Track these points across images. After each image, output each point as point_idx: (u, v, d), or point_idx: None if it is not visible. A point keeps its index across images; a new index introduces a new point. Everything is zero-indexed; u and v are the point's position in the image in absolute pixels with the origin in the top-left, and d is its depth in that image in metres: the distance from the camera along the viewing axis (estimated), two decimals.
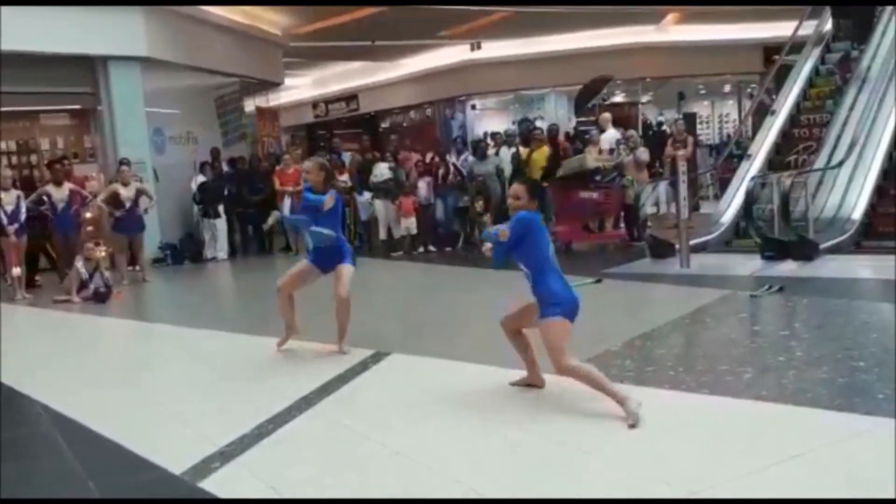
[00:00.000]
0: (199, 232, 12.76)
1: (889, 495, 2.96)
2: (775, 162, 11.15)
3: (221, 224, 12.69)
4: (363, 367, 5.40)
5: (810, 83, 12.11)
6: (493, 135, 14.47)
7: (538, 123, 16.54)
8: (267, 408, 4.52)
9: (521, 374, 4.78)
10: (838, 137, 10.52)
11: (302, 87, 24.50)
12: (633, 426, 3.87)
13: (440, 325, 6.88)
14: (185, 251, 12.56)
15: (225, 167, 13.77)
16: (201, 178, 12.70)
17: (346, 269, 5.95)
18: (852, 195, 9.84)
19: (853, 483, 3.18)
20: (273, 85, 18.15)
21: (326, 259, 6.04)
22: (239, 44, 15.30)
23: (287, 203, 12.56)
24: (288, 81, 19.70)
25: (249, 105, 17.90)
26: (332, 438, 4.10)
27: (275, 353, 6.00)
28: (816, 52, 12.36)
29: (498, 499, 3.12)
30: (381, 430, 4.11)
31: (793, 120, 11.61)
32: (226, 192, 12.71)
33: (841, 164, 10.04)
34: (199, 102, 14.77)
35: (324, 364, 5.50)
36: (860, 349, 5.14)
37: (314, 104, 25.24)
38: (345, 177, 12.85)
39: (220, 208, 12.61)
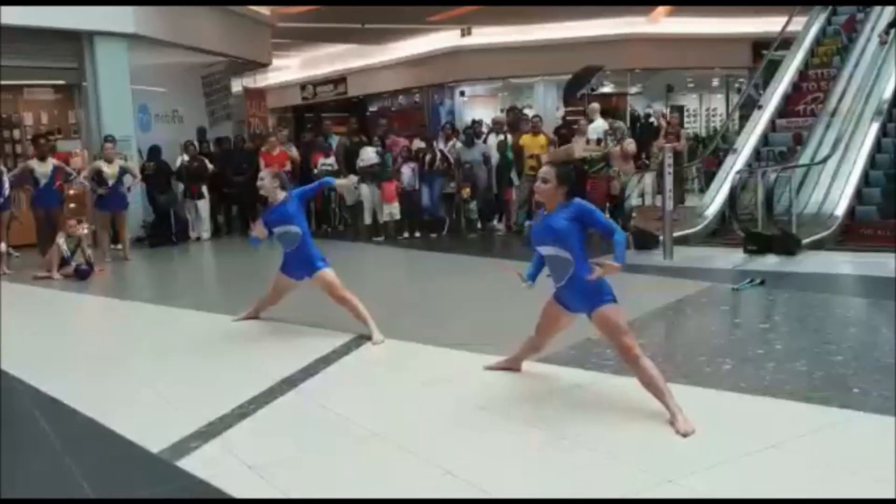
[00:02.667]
0: (182, 211, 12.68)
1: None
2: (763, 154, 11.35)
3: (204, 204, 12.61)
4: (346, 349, 5.41)
5: (818, 42, 12.63)
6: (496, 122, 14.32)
7: (527, 112, 16.53)
8: (248, 388, 4.52)
9: (497, 359, 4.81)
10: (843, 92, 10.97)
11: (290, 69, 24.35)
12: (684, 435, 3.62)
13: (422, 310, 6.89)
14: (159, 230, 12.42)
15: (211, 147, 13.70)
16: (186, 158, 12.62)
17: (326, 275, 5.89)
18: (836, 191, 9.92)
19: (828, 474, 3.23)
20: (260, 65, 18.01)
21: (296, 266, 6.01)
22: (227, 23, 15.16)
23: None
24: (276, 62, 19.57)
25: (237, 85, 17.77)
26: (312, 420, 4.11)
27: (257, 334, 6.00)
28: (823, 16, 12.78)
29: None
30: (363, 413, 4.12)
31: (801, 75, 12.25)
32: (209, 172, 12.62)
33: (826, 160, 10.11)
34: (185, 81, 14.65)
35: (307, 346, 5.49)
36: (838, 343, 5.20)
37: (302, 86, 25.09)
38: (331, 159, 12.81)
39: (204, 188, 12.52)
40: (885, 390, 4.13)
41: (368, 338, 5.60)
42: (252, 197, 13.11)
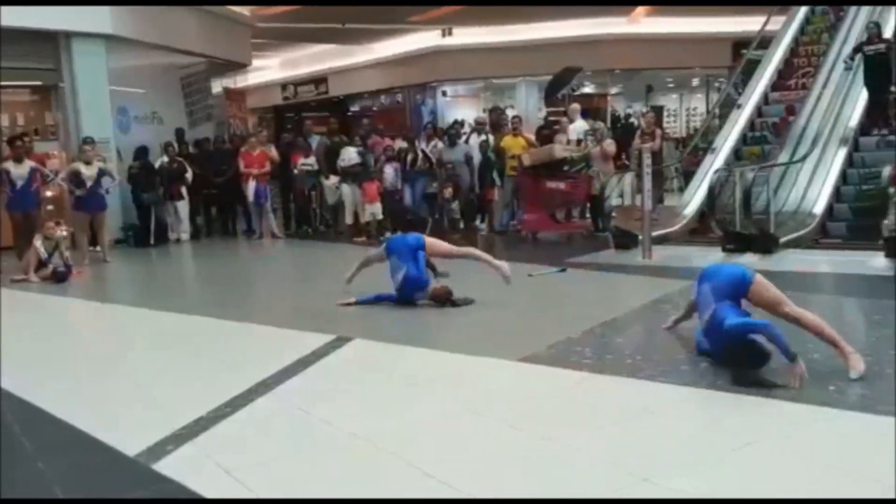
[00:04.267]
0: (161, 213, 12.59)
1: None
2: (742, 153, 11.56)
3: (183, 205, 12.53)
4: (325, 351, 5.37)
5: (807, 21, 13.27)
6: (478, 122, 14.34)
7: (508, 112, 16.56)
8: (225, 390, 4.48)
9: (480, 359, 4.81)
10: (831, 68, 11.49)
11: (270, 69, 24.28)
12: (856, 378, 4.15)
13: (402, 311, 6.86)
14: (144, 230, 12.33)
15: (191, 148, 13.62)
16: (166, 160, 12.54)
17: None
18: (813, 190, 10.01)
19: (805, 471, 3.25)
20: (240, 66, 17.93)
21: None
22: (205, 23, 15.08)
23: (252, 185, 12.47)
24: (256, 63, 19.50)
25: (217, 86, 17.67)
26: (290, 422, 4.08)
27: (236, 336, 5.97)
28: (801, 15, 13.22)
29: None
30: (342, 415, 4.10)
31: (792, 51, 12.97)
32: (189, 173, 12.53)
33: (804, 158, 10.20)
34: (164, 82, 14.55)
35: (285, 348, 5.46)
36: (814, 342, 5.22)
37: (283, 86, 25.02)
38: (311, 160, 12.78)
39: (183, 190, 12.44)
40: (861, 388, 4.16)
41: (348, 339, 5.58)
42: (232, 198, 13.12)
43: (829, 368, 4.56)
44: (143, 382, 4.91)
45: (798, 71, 12.63)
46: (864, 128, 10.71)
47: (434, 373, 4.87)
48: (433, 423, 3.98)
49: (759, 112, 12.20)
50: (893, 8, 11.82)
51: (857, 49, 10.72)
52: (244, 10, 16.28)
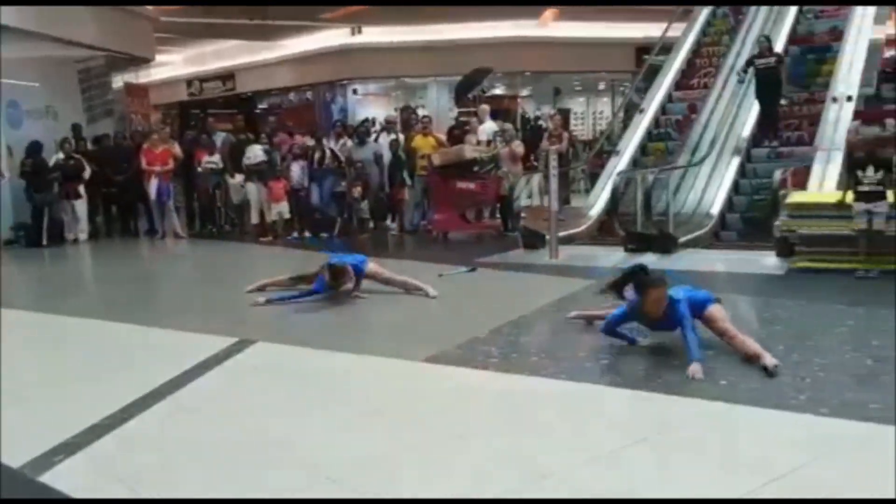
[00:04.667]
0: (56, 212, 12.06)
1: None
2: (648, 149, 12.03)
3: (81, 204, 12.04)
4: (226, 355, 5.24)
5: (709, 23, 13.73)
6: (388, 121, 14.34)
7: (420, 112, 16.57)
8: (121, 397, 4.32)
9: (386, 360, 4.80)
10: (731, 67, 11.96)
11: (175, 64, 23.57)
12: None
13: (307, 312, 6.78)
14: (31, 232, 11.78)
15: (89, 145, 13.10)
16: (62, 156, 12.02)
17: None
18: (710, 192, 10.38)
19: (697, 464, 3.35)
20: (143, 60, 17.31)
21: None
22: (104, 16, 14.45)
23: (154, 184, 12.09)
24: (160, 58, 18.86)
25: (118, 81, 17.03)
26: (188, 428, 3.97)
27: (134, 340, 5.77)
28: (703, 16, 13.71)
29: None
30: (240, 420, 4.02)
31: (694, 52, 13.36)
32: (87, 171, 12.05)
33: (702, 161, 10.58)
34: (60, 75, 13.94)
35: (186, 351, 5.30)
36: (709, 338, 5.42)
37: (188, 82, 24.35)
38: (216, 157, 12.49)
39: (81, 188, 11.95)
40: (751, 382, 4.34)
41: (251, 341, 5.47)
42: (133, 196, 12.68)
43: (721, 363, 4.74)
44: (33, 390, 4.68)
45: (700, 71, 13.07)
46: (756, 139, 11.08)
47: (338, 375, 4.82)
48: (334, 425, 3.93)
49: (663, 110, 12.58)
50: (785, 21, 12.37)
51: (748, 62, 11.06)
52: (147, 4, 15.73)
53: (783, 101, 11.24)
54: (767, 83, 10.68)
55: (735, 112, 11.16)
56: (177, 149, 12.63)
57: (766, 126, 11.02)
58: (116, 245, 12.17)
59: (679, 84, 12.96)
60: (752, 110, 11.04)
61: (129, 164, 12.43)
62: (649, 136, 12.20)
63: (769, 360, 4.47)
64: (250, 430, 3.86)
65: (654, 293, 4.83)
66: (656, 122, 12.41)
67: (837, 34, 11.94)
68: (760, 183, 10.34)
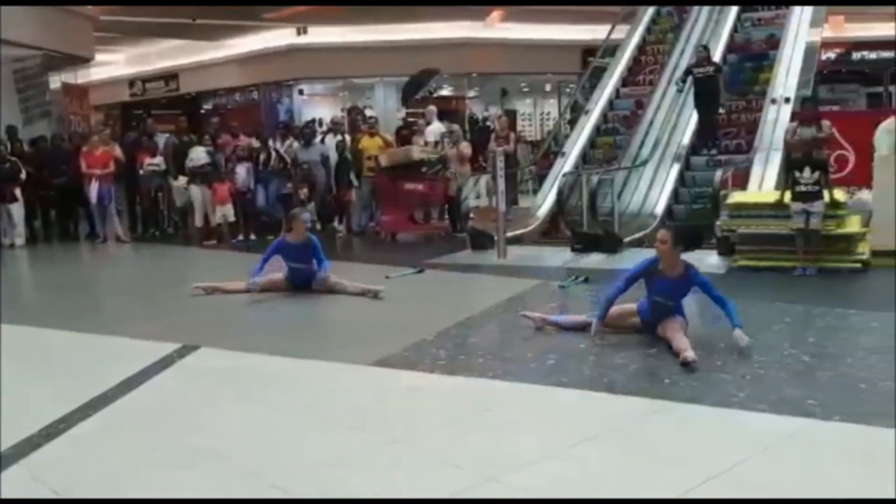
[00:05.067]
0: None
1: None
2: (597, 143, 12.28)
3: (17, 208, 11.67)
4: (169, 361, 5.15)
5: (654, 22, 13.97)
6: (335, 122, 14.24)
7: (367, 112, 16.51)
8: (59, 406, 4.21)
9: (332, 364, 4.76)
10: (675, 66, 12.30)
11: (117, 64, 23.07)
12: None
13: (252, 317, 6.70)
14: None
15: (25, 147, 12.72)
16: None
17: None
18: (654, 193, 10.55)
19: (642, 461, 3.41)
20: (82, 60, 16.92)
21: None
22: (40, 14, 14.10)
23: (94, 187, 11.80)
24: (100, 57, 18.46)
25: (55, 81, 16.58)
26: (128, 437, 3.89)
27: (75, 347, 5.62)
28: (646, 18, 13.93)
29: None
30: (183, 426, 3.95)
31: (640, 49, 13.55)
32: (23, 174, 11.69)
33: (645, 163, 10.75)
34: None
35: (128, 358, 5.18)
36: (653, 336, 5.51)
37: (130, 82, 23.87)
38: (158, 160, 12.26)
39: (17, 191, 11.59)
40: (693, 381, 4.42)
41: (195, 347, 5.37)
42: (73, 200, 12.36)
43: (664, 362, 4.82)
44: None
45: (646, 68, 13.33)
46: (695, 147, 11.19)
47: (284, 380, 4.77)
48: (278, 430, 3.89)
49: (611, 106, 12.82)
50: (724, 29, 12.57)
51: (687, 71, 11.16)
52: (85, 2, 15.36)
53: (722, 111, 11.38)
54: (706, 92, 10.77)
55: (675, 120, 11.30)
56: (117, 151, 12.34)
57: (705, 134, 11.13)
58: (56, 250, 11.86)
59: (626, 81, 13.19)
60: (692, 119, 11.17)
61: (68, 166, 12.11)
62: (598, 131, 12.41)
63: (690, 354, 4.58)
64: (193, 437, 3.80)
65: (658, 234, 5.23)
66: (605, 118, 12.61)
67: (774, 42, 12.18)
68: (700, 192, 10.45)
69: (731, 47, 12.64)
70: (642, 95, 12.66)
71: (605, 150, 12.07)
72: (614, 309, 5.37)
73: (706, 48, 11.21)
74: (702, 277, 5.20)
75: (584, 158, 11.93)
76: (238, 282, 7.26)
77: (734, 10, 13.08)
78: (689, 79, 10.96)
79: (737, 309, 5.04)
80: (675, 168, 10.79)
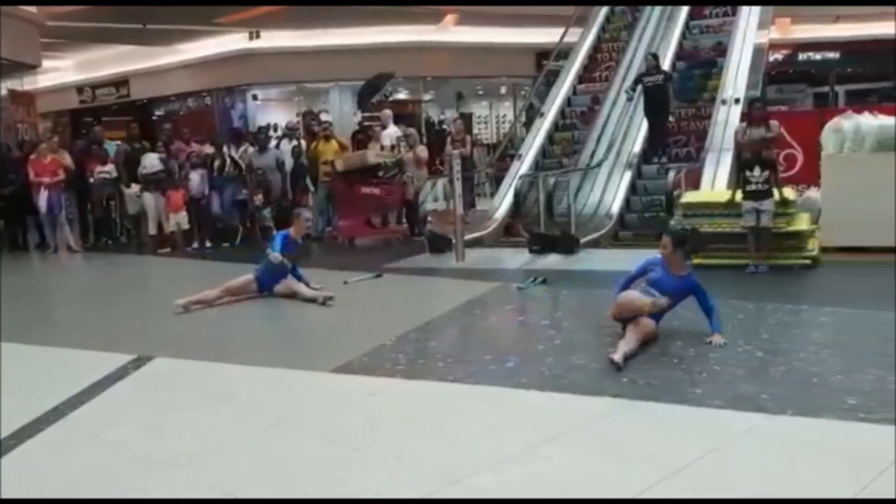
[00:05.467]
0: None
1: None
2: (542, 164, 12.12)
3: None
4: (124, 372, 5.06)
5: (608, 20, 14.21)
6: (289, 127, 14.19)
7: (323, 117, 16.40)
8: (11, 420, 4.10)
9: (291, 372, 4.70)
10: (630, 62, 12.65)
11: (65, 70, 22.59)
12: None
13: (208, 325, 6.61)
14: None
15: None
16: None
17: None
18: (609, 194, 10.66)
19: (602, 461, 3.44)
20: (28, 67, 16.52)
21: None
22: None
23: (43, 195, 11.55)
24: (47, 63, 18.05)
25: (1, 88, 16.18)
26: (83, 450, 3.81)
27: (26, 360, 5.48)
28: (597, 24, 14.07)
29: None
30: (138, 438, 3.88)
31: (595, 48, 13.81)
32: None
33: (600, 164, 10.86)
34: None
35: (81, 370, 5.08)
36: (613, 336, 5.57)
37: (79, 88, 23.37)
38: (109, 167, 12.04)
39: None
40: (651, 378, 4.47)
41: (149, 358, 5.28)
42: (22, 209, 12.08)
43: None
44: None
45: (602, 65, 13.52)
46: (646, 155, 11.21)
47: (240, 389, 4.71)
48: (236, 441, 3.85)
49: (568, 102, 13.01)
50: (672, 36, 12.68)
51: (637, 80, 11.18)
52: (30, 7, 15.01)
53: (672, 119, 11.43)
54: (655, 101, 10.79)
55: (627, 125, 11.30)
56: (67, 159, 12.10)
57: (655, 142, 11.16)
58: (4, 260, 11.55)
59: (582, 78, 13.38)
60: (642, 126, 11.17)
61: (16, 175, 11.84)
62: (556, 127, 12.57)
63: (618, 357, 4.64)
64: (148, 447, 3.73)
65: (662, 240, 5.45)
66: (562, 114, 12.79)
67: (722, 49, 12.24)
68: (651, 200, 10.46)
69: (679, 54, 12.73)
70: (598, 92, 12.85)
71: (564, 145, 12.24)
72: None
73: (655, 56, 11.23)
74: (699, 284, 5.38)
75: (544, 153, 12.09)
76: (211, 290, 7.14)
77: (683, 15, 13.21)
78: (639, 87, 10.98)
79: (719, 316, 5.25)
80: (627, 176, 10.80)
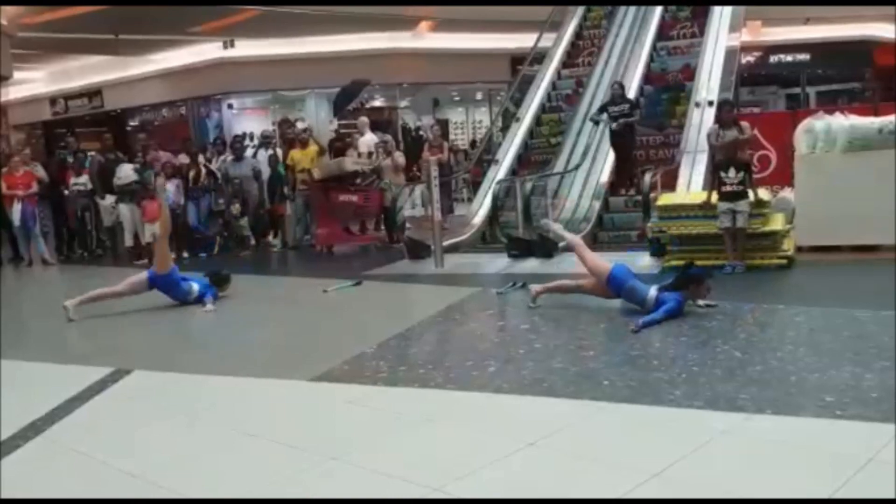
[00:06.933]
0: None
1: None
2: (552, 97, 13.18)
3: None
4: (102, 386, 5.01)
5: (588, 9, 14.74)
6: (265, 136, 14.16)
7: (299, 125, 16.36)
8: None
9: (271, 381, 4.68)
10: (611, 46, 13.29)
11: (37, 82, 22.37)
12: None
13: (187, 337, 6.57)
14: None
15: None
16: None
17: None
18: (586, 198, 10.70)
19: (585, 463, 3.45)
20: (0, 78, 16.34)
21: None
22: None
23: (17, 208, 11.43)
24: (18, 75, 17.84)
25: None
26: (61, 465, 3.77)
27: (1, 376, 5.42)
28: (572, 26, 14.43)
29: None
30: (117, 452, 3.84)
31: (577, 35, 14.41)
32: None
33: (577, 167, 10.91)
34: None
35: (59, 385, 5.03)
36: (591, 339, 5.62)
37: (52, 100, 23.15)
38: (83, 178, 11.93)
39: None
40: (630, 381, 4.50)
41: (127, 371, 5.24)
42: None
43: (602, 364, 4.90)
44: None
45: (584, 51, 14.03)
46: (614, 187, 10.81)
47: (221, 400, 4.69)
48: (216, 453, 3.83)
49: (553, 86, 13.46)
50: (640, 59, 12.50)
51: (601, 109, 10.82)
52: (1, 19, 14.85)
53: (640, 149, 11.16)
54: (621, 132, 10.46)
55: (591, 160, 11.02)
56: (40, 171, 11.99)
57: (623, 175, 10.81)
58: None
59: (566, 63, 13.90)
60: (609, 157, 10.84)
61: None
62: (543, 108, 13.01)
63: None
64: (127, 462, 3.70)
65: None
66: (549, 97, 13.25)
67: (690, 72, 11.96)
68: (619, 235, 10.13)
69: (647, 78, 12.48)
70: (582, 75, 13.27)
71: (552, 126, 12.55)
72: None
73: (621, 86, 10.83)
74: (681, 304, 5.96)
75: (531, 134, 12.43)
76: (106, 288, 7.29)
77: (650, 36, 13.08)
78: (605, 116, 10.65)
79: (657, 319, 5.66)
80: (596, 206, 10.42)
